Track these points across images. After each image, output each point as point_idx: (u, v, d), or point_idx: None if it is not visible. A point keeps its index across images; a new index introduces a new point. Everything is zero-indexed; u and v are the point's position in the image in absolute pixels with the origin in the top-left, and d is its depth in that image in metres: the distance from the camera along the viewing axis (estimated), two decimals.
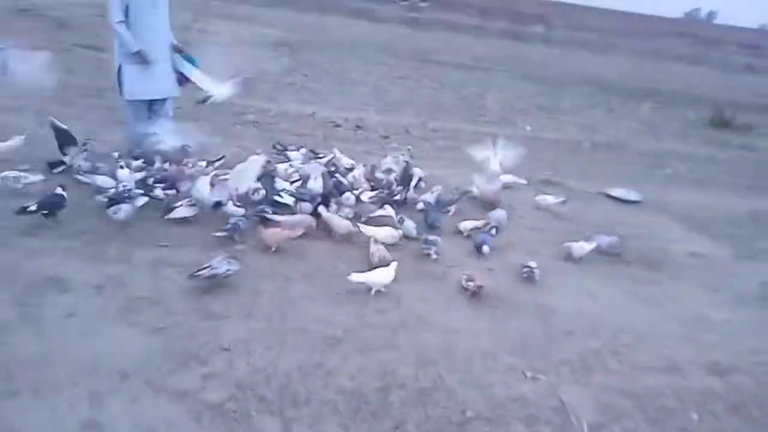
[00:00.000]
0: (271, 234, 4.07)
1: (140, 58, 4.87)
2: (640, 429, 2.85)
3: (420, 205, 4.98)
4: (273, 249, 4.06)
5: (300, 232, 4.17)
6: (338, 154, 5.69)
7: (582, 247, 4.52)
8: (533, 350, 3.37)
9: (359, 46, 15.29)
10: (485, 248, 4.31)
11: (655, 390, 3.14)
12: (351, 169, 5.40)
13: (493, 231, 4.52)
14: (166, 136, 5.15)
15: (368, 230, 4.31)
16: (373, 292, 3.71)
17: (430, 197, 5.09)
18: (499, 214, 4.94)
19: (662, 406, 3.02)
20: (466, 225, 4.79)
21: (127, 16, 4.79)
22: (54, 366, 2.71)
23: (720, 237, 5.54)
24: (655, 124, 10.80)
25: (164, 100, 5.27)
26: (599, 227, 5.18)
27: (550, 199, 5.60)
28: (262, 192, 4.58)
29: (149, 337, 3.03)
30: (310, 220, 4.35)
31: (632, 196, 6.28)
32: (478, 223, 4.81)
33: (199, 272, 3.47)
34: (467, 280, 3.86)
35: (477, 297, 3.82)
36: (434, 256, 4.27)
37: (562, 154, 8.01)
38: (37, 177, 4.35)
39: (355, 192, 4.87)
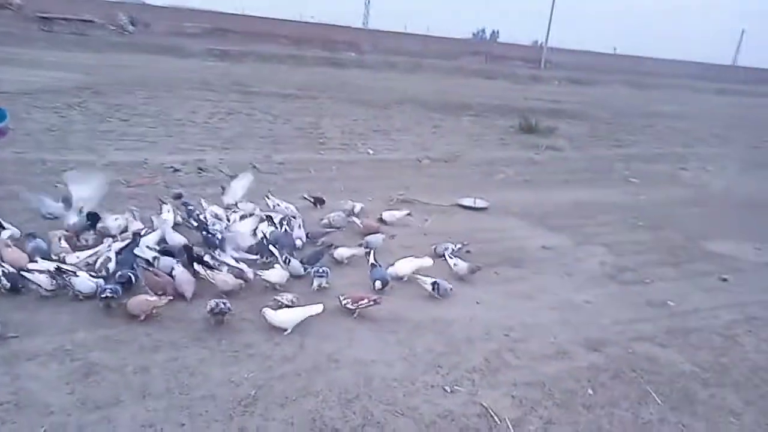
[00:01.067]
0: (137, 303, 3.65)
1: None
2: (552, 415, 3.11)
3: (298, 243, 4.88)
4: (142, 318, 3.65)
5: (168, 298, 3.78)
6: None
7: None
8: (444, 364, 3.49)
9: (172, 83, 14.55)
10: (378, 284, 4.27)
11: (554, 375, 3.46)
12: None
13: (381, 265, 4.50)
14: None
15: (265, 275, 4.15)
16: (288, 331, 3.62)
17: (300, 233, 5.03)
18: (374, 239, 5.07)
19: (564, 389, 3.34)
20: (342, 252, 4.81)
21: None
22: None
23: (558, 228, 6.31)
24: (477, 135, 11.98)
25: None
26: (461, 237, 5.58)
27: (397, 214, 5.95)
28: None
29: None
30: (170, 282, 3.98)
31: (480, 203, 6.86)
32: (356, 251, 4.87)
33: None
34: (345, 299, 3.95)
35: (359, 314, 3.92)
36: (326, 285, 4.24)
37: (407, 173, 8.46)
38: None
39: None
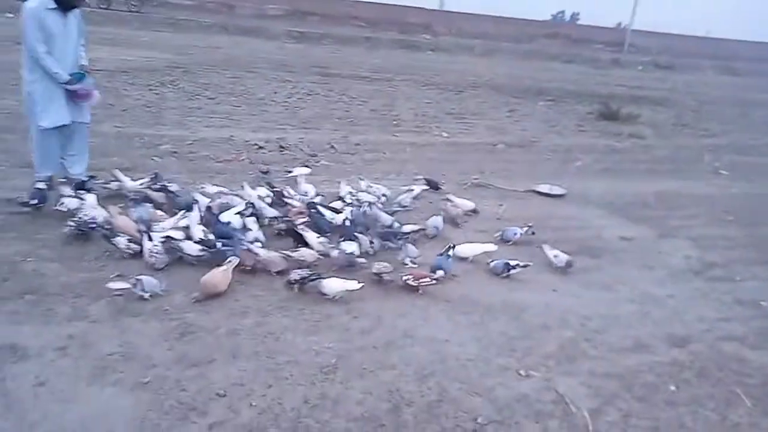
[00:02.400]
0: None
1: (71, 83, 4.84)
2: (632, 408, 3.07)
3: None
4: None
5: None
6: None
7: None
8: (519, 348, 3.51)
9: (256, 65, 15.00)
10: (440, 273, 4.18)
11: (633, 369, 3.40)
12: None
13: (450, 252, 4.40)
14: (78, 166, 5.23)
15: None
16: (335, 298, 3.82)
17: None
18: (435, 220, 5.10)
19: (644, 383, 3.28)
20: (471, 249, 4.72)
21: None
22: None
23: (639, 219, 6.09)
24: (554, 120, 11.63)
25: (80, 128, 5.19)
26: (537, 224, 5.50)
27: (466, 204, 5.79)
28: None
29: (135, 393, 2.79)
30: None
31: (557, 190, 6.72)
32: (415, 227, 4.95)
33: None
34: (407, 276, 4.06)
35: (422, 291, 4.03)
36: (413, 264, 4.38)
37: (482, 157, 8.38)
38: None
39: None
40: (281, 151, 7.63)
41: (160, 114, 8.85)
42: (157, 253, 3.99)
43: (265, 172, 6.24)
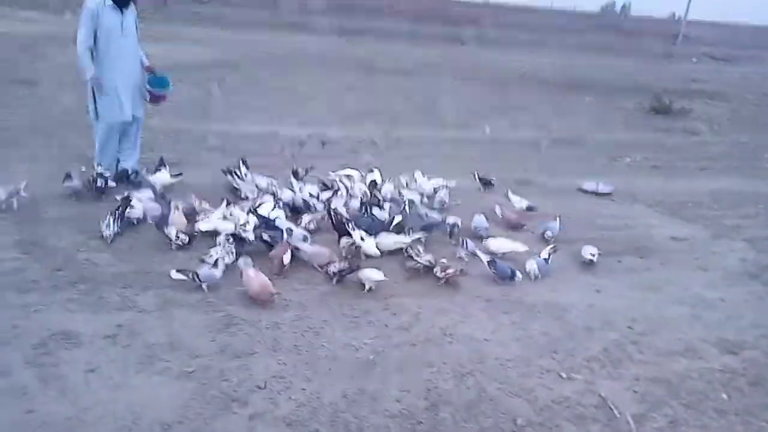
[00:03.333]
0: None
1: (95, 84, 5.04)
2: (679, 415, 2.96)
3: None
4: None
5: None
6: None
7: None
8: (560, 350, 3.43)
9: (299, 60, 15.20)
10: (519, 274, 4.18)
11: (682, 374, 3.27)
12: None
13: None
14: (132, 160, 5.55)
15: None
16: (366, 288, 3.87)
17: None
18: (477, 220, 4.97)
19: (693, 390, 3.15)
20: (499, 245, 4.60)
21: (95, 42, 4.94)
22: (91, 425, 2.53)
23: (692, 219, 5.85)
24: (601, 116, 11.30)
25: (135, 123, 5.45)
26: (581, 222, 5.39)
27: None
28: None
29: (180, 382, 2.88)
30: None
31: (603, 188, 6.52)
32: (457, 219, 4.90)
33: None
34: (442, 270, 4.06)
35: (452, 283, 4.07)
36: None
37: (526, 153, 8.23)
38: None
39: None
40: (323, 145, 7.70)
41: (207, 109, 9.07)
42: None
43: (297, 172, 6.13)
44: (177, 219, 4.43)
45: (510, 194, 5.63)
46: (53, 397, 2.68)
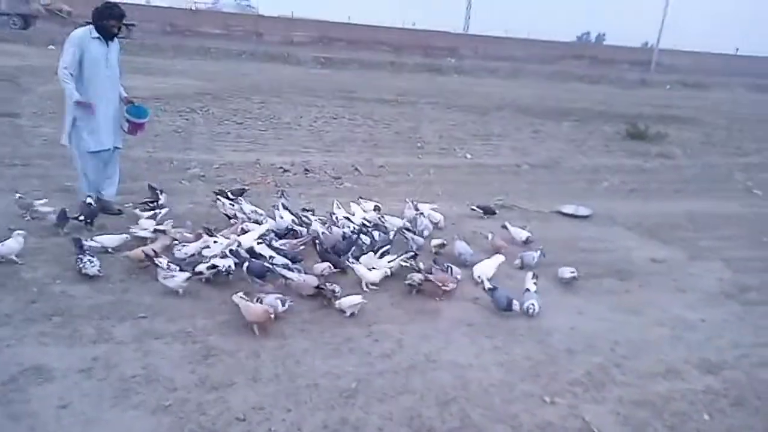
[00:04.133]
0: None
1: (83, 108, 5.06)
2: None
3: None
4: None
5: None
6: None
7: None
8: (543, 374, 3.42)
9: (282, 90, 15.32)
10: (516, 305, 4.04)
11: (664, 396, 3.27)
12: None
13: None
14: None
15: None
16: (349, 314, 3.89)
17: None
18: (459, 246, 4.98)
19: (676, 411, 3.14)
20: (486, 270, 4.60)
21: (80, 72, 5.02)
22: None
23: (670, 241, 5.93)
24: (579, 141, 11.52)
25: (115, 151, 5.49)
26: (562, 245, 5.44)
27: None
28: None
29: (156, 417, 2.80)
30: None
31: (582, 211, 6.61)
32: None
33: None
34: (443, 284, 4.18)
35: (421, 292, 4.23)
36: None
37: (506, 178, 8.34)
38: None
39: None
40: (306, 174, 7.72)
41: (189, 139, 9.08)
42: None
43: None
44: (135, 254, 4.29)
45: (509, 226, 5.54)
46: None
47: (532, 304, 4.03)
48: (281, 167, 7.84)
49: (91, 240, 4.43)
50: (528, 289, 4.19)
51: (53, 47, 17.41)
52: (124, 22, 5.30)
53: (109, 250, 4.50)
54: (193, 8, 37.80)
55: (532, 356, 3.60)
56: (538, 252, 4.97)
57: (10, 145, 7.64)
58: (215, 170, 7.47)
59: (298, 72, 21.36)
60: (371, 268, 4.41)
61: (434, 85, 20.02)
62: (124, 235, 4.63)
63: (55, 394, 2.86)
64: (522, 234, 5.45)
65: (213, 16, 38.00)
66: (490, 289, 4.19)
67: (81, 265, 4.04)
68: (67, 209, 4.86)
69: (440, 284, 4.23)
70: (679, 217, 6.79)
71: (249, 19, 37.72)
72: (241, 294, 3.73)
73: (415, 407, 3.04)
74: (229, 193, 5.75)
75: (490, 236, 5.30)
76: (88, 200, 5.11)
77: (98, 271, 4.06)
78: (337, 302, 3.93)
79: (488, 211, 6.28)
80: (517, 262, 4.95)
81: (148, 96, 12.15)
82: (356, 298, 3.93)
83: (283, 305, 3.75)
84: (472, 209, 6.31)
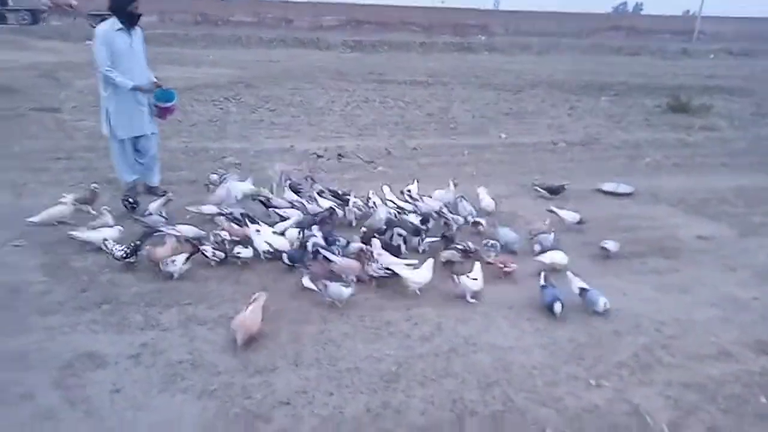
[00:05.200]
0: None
1: (139, 92, 5.33)
2: (717, 421, 2.85)
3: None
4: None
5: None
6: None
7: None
8: (588, 356, 3.35)
9: (313, 75, 15.34)
10: (557, 307, 3.74)
11: (716, 378, 3.16)
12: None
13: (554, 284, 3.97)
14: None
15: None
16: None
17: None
18: (505, 233, 4.76)
19: (730, 394, 3.04)
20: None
21: (112, 63, 5.18)
22: None
23: (718, 217, 5.71)
24: (618, 116, 11.16)
25: (150, 137, 5.67)
26: (603, 224, 5.29)
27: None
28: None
29: (203, 401, 2.87)
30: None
31: (623, 188, 6.41)
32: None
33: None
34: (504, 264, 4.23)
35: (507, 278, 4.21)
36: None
37: (542, 157, 8.14)
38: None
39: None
40: (339, 158, 7.71)
41: (224, 128, 9.19)
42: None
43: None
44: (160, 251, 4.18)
45: (556, 209, 5.26)
46: (80, 418, 2.69)
47: (606, 302, 3.78)
48: (315, 153, 7.86)
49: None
50: (585, 288, 3.88)
51: (90, 42, 17.86)
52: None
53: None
54: None
55: (576, 338, 3.53)
56: (552, 234, 4.68)
57: (53, 139, 7.90)
58: (250, 158, 7.54)
59: (329, 56, 21.32)
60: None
61: (465, 64, 19.69)
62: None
63: (107, 379, 2.96)
64: (573, 216, 5.17)
65: (243, 5, 38.18)
66: (542, 285, 3.93)
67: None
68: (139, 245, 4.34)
69: (502, 265, 4.23)
70: (726, 192, 6.51)
71: (278, 6, 37.78)
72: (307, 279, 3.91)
73: (457, 390, 3.03)
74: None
75: (546, 221, 4.95)
76: (128, 191, 5.25)
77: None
78: (405, 277, 3.99)
79: (555, 191, 6.02)
80: (537, 247, 4.60)
81: (181, 86, 12.35)
82: (421, 276, 3.99)
83: (349, 288, 3.80)
84: (536, 189, 6.14)
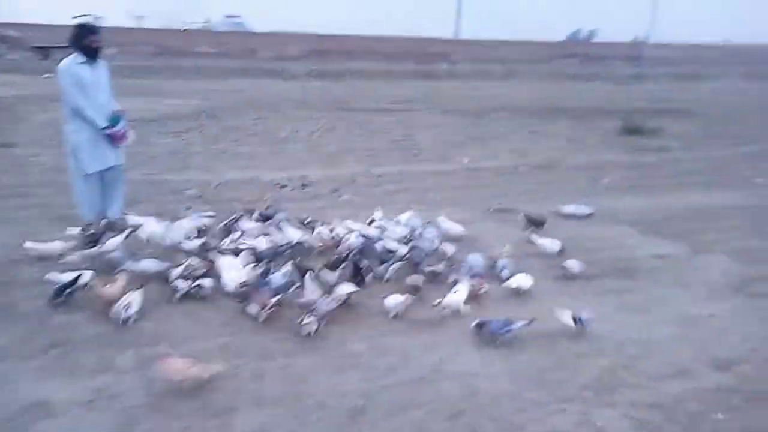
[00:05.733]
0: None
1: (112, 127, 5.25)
2: None
3: None
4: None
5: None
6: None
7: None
8: (551, 380, 3.36)
9: (277, 105, 15.36)
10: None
11: (676, 397, 3.21)
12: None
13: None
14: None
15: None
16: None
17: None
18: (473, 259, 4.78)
19: (689, 412, 3.08)
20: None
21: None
22: None
23: (672, 236, 5.87)
24: (577, 139, 11.50)
25: (116, 171, 5.55)
26: (565, 246, 5.38)
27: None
28: None
29: None
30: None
31: (583, 210, 6.56)
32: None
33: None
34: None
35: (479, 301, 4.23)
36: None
37: (505, 181, 8.31)
38: None
39: None
40: (303, 188, 7.70)
41: (186, 159, 9.08)
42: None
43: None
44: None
45: (536, 238, 5.25)
46: None
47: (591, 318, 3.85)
48: (278, 183, 7.82)
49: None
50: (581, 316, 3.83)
51: (48, 75, 17.48)
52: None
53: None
54: (185, 29, 38.04)
55: (540, 362, 3.55)
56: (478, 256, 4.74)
57: (8, 175, 7.64)
58: (213, 189, 7.45)
59: (293, 86, 21.40)
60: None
61: (428, 91, 20.04)
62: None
63: (59, 429, 2.82)
64: (554, 245, 5.10)
65: (205, 36, 38.26)
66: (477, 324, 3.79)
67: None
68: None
69: (478, 287, 4.27)
70: (681, 211, 6.74)
71: (241, 37, 37.98)
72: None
73: (424, 421, 2.99)
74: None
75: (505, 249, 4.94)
76: (90, 229, 5.10)
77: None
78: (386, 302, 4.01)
79: (538, 223, 5.74)
80: (506, 272, 4.55)
81: (143, 118, 12.21)
82: (399, 299, 3.99)
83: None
84: (524, 220, 5.88)
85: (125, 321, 3.81)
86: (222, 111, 13.75)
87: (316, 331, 3.75)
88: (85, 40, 5.13)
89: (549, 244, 5.21)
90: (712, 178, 8.57)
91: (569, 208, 6.60)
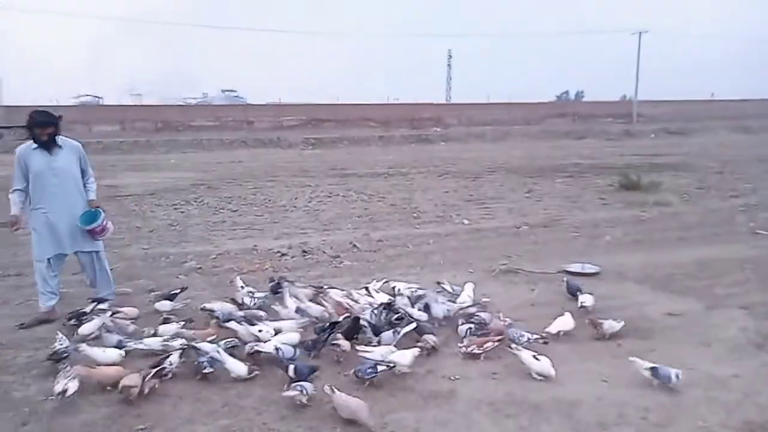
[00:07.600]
0: None
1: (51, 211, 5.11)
2: None
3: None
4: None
5: None
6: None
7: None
8: None
9: (275, 173, 15.57)
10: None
11: None
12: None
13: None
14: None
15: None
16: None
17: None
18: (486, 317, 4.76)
19: None
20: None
21: (29, 183, 5.08)
22: None
23: (683, 291, 5.74)
24: (574, 196, 11.55)
25: (89, 257, 5.40)
26: (573, 307, 5.23)
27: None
28: None
29: None
30: None
31: (589, 268, 6.45)
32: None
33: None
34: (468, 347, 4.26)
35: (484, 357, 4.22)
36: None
37: (506, 241, 8.23)
38: None
39: None
40: (304, 255, 7.60)
41: (185, 231, 9.04)
42: None
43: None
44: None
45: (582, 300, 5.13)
46: None
47: (678, 373, 3.77)
48: (279, 251, 7.74)
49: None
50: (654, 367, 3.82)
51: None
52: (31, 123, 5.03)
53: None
54: (184, 103, 39.21)
55: None
56: (535, 336, 4.49)
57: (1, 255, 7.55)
58: (212, 261, 7.35)
59: (290, 154, 21.81)
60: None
61: (423, 155, 20.40)
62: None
63: None
64: (588, 300, 5.14)
65: (203, 110, 39.37)
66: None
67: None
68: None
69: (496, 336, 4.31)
70: (688, 266, 6.62)
71: (238, 109, 39.09)
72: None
73: None
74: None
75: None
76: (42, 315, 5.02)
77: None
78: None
79: (572, 291, 5.48)
80: (524, 336, 4.40)
81: (141, 192, 12.33)
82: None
83: None
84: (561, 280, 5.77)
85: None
86: (220, 181, 13.91)
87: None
88: (35, 130, 5.03)
89: (587, 299, 5.20)
90: (716, 230, 8.51)
91: (575, 267, 6.50)
